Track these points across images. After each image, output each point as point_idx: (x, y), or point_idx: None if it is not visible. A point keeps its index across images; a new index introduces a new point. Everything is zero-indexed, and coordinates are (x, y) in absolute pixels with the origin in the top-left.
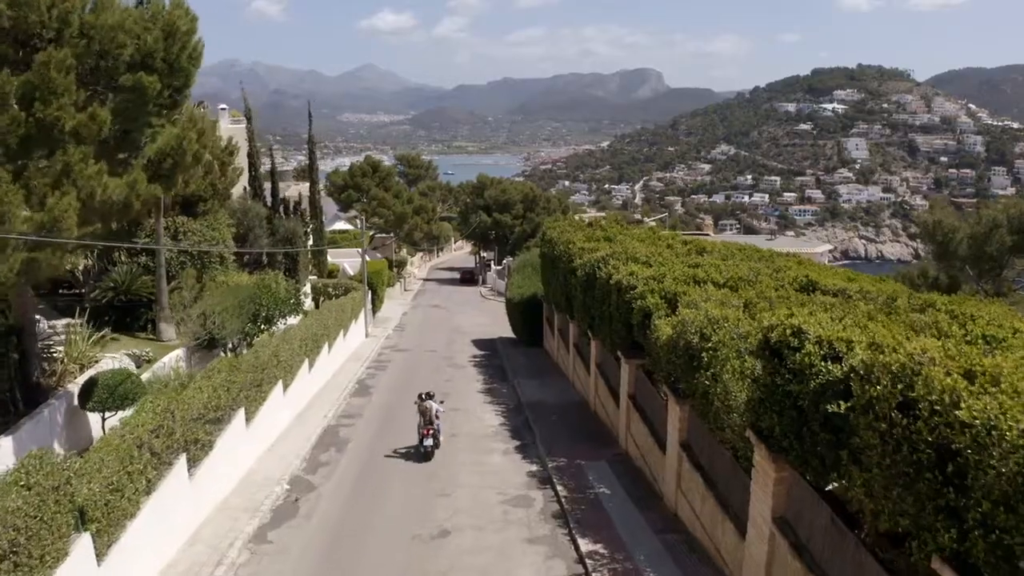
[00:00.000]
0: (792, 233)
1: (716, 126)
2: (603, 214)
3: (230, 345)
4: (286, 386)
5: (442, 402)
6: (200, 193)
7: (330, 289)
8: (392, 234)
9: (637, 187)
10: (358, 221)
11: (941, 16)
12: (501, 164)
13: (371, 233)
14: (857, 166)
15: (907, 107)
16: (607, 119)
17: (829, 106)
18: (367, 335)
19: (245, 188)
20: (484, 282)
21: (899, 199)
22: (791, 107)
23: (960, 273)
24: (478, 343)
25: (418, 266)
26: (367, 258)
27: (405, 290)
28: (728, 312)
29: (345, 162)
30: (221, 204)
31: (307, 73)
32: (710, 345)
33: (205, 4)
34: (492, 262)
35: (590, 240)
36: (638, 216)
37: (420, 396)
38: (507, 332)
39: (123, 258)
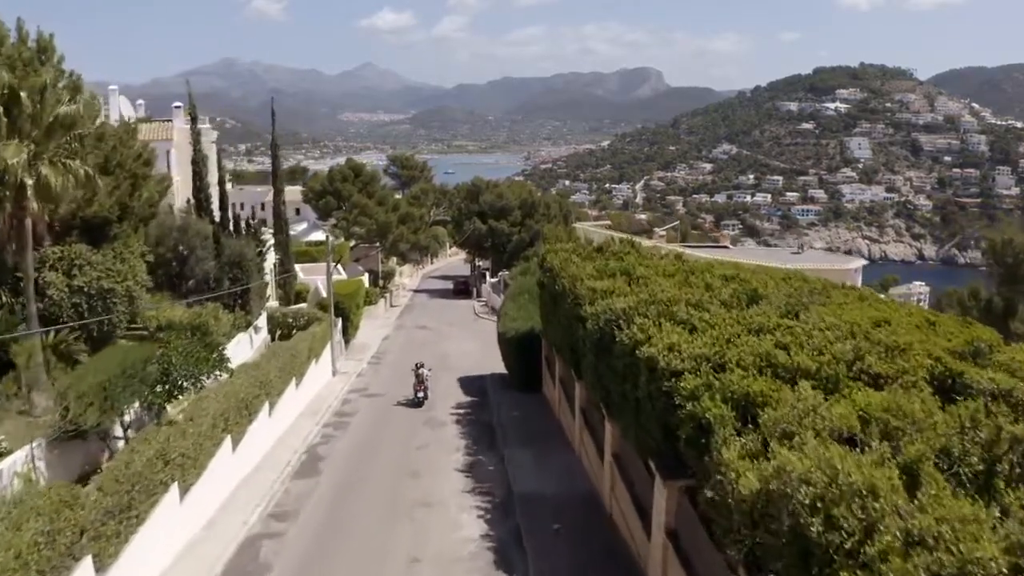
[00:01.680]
0: (821, 246)
1: (718, 125)
2: (607, 219)
3: (121, 425)
4: (186, 489)
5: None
6: (105, 214)
7: (290, 320)
8: (377, 244)
9: (638, 187)
10: (333, 233)
11: (941, 15)
12: (501, 163)
13: (351, 244)
14: (860, 165)
15: (910, 106)
16: (607, 118)
17: (832, 105)
18: (335, 372)
19: (189, 200)
20: (479, 294)
21: (903, 199)
22: (793, 106)
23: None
24: (465, 383)
25: (410, 275)
26: (344, 275)
27: (392, 305)
28: (877, 477)
29: (344, 162)
30: (140, 225)
31: (307, 72)
32: (852, 545)
33: (204, 3)
34: (488, 272)
35: (602, 275)
36: (642, 217)
37: (416, 365)
38: (500, 364)
39: (3, 299)
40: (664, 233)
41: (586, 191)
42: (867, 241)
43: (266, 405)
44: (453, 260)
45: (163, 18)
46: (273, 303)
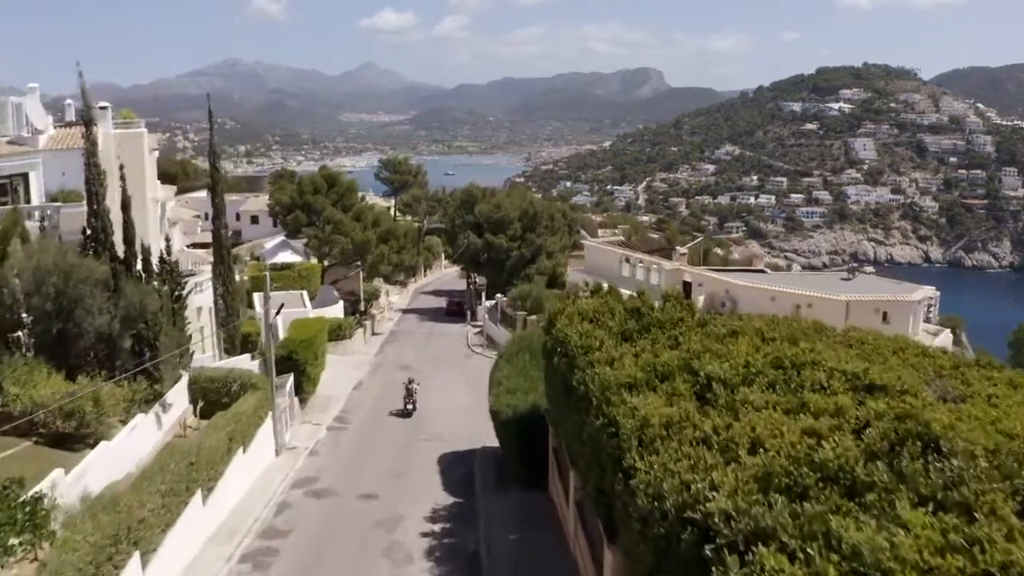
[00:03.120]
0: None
1: (720, 126)
2: (612, 224)
3: None
4: None
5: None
6: None
7: (218, 386)
8: (357, 263)
9: (640, 188)
10: (303, 253)
11: (941, 15)
12: (502, 164)
13: (325, 264)
14: (865, 166)
15: (915, 107)
16: (608, 118)
17: (835, 105)
18: (279, 451)
19: (85, 230)
20: (474, 316)
21: (908, 200)
22: (796, 106)
23: None
24: (448, 467)
25: (398, 294)
26: (309, 307)
27: (374, 333)
28: None
29: (345, 163)
30: None
31: (308, 72)
32: None
33: (206, 3)
34: (483, 292)
35: (650, 377)
36: (644, 218)
37: (408, 380)
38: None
39: None
40: (686, 251)
41: (587, 192)
42: (872, 243)
43: (135, 558)
44: (448, 272)
45: (165, 18)
46: (205, 356)
